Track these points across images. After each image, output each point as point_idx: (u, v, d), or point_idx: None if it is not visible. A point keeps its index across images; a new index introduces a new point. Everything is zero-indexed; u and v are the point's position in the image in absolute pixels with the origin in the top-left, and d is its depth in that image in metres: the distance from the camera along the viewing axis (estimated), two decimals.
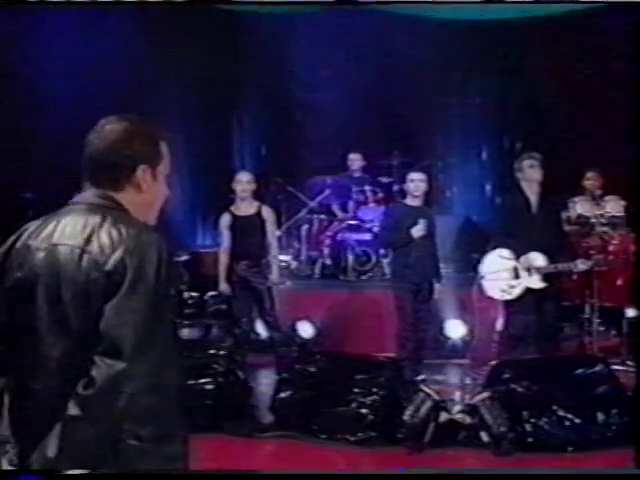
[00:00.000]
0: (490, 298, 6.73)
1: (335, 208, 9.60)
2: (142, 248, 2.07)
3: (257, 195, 7.26)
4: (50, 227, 2.17)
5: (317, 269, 9.01)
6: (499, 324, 6.97)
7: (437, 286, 6.98)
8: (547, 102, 10.31)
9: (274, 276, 7.05)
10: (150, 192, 2.25)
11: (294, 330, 7.92)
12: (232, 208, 7.10)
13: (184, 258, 9.82)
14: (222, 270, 7.01)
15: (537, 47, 10.39)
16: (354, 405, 5.64)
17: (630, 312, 7.27)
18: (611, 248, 7.41)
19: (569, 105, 10.05)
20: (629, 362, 6.74)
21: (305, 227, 9.36)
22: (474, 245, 8.24)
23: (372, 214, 9.03)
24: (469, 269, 7.72)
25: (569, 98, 10.04)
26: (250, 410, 6.03)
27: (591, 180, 8.02)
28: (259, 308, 7.05)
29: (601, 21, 9.02)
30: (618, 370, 6.12)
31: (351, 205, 9.47)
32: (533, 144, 8.41)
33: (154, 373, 2.01)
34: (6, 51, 8.86)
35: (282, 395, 5.93)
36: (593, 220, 7.54)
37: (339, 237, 8.99)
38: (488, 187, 10.82)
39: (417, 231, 6.79)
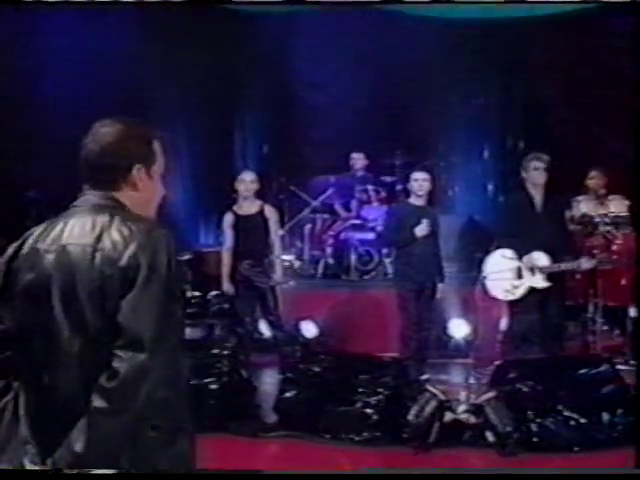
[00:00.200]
0: (493, 298, 6.73)
1: (338, 207, 9.59)
2: (154, 243, 2.12)
3: (260, 194, 7.25)
4: (57, 229, 2.20)
5: (320, 268, 9.02)
6: (503, 324, 6.97)
7: (440, 286, 6.96)
8: (550, 101, 10.30)
9: (277, 275, 7.04)
10: (146, 191, 2.30)
11: (297, 330, 7.90)
12: (235, 207, 7.09)
13: (187, 257, 9.80)
14: (225, 270, 7.00)
15: (539, 47, 10.38)
16: (359, 405, 5.63)
17: (632, 312, 7.25)
18: (615, 247, 7.40)
19: (572, 104, 10.04)
20: (632, 362, 6.73)
21: (308, 226, 9.36)
22: (477, 245, 8.25)
23: (375, 213, 9.02)
24: (472, 269, 7.71)
25: (572, 97, 10.02)
26: (254, 410, 6.02)
27: (595, 179, 8.01)
28: (262, 307, 7.04)
29: (605, 21, 9.02)
30: (623, 370, 6.11)
31: (354, 204, 9.47)
32: (536, 144, 8.41)
33: (169, 366, 2.07)
34: (6, 51, 8.86)
35: (286, 395, 5.92)
36: (597, 219, 7.52)
37: (342, 236, 8.99)
38: (491, 187, 10.80)
39: (420, 230, 6.76)
